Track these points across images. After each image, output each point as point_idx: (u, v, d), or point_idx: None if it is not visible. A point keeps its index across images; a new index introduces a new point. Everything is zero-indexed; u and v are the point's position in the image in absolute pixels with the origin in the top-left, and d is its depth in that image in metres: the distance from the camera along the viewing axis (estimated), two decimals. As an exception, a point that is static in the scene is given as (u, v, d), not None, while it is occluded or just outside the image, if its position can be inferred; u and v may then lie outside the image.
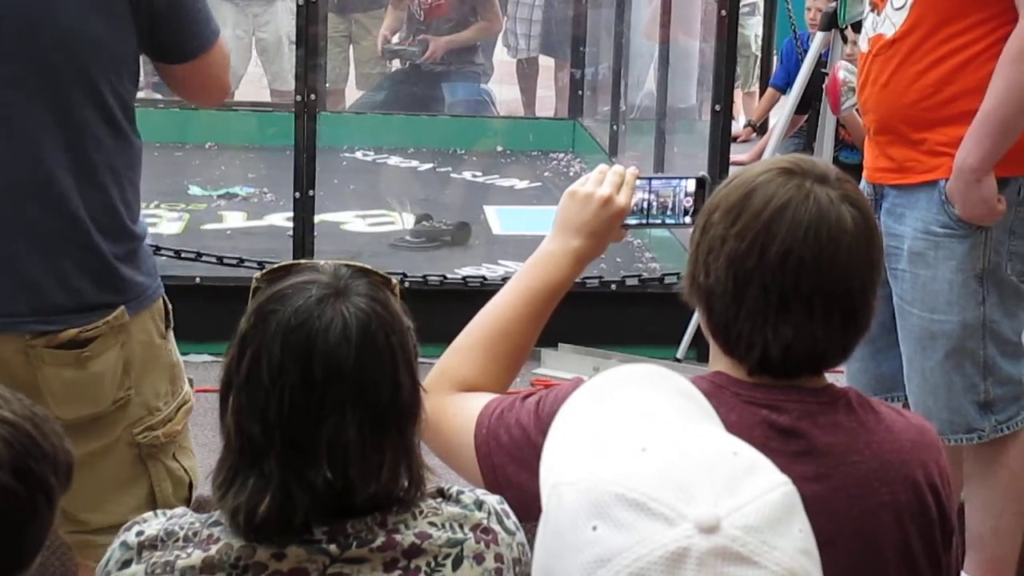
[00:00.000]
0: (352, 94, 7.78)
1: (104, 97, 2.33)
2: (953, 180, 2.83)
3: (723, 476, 1.06)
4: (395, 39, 7.44)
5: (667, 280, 4.60)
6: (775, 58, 7.17)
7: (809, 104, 5.10)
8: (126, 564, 1.57)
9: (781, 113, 5.17)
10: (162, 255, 4.30)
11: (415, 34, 7.35)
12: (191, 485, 2.52)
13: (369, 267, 1.64)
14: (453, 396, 1.80)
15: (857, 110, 3.98)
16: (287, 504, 1.53)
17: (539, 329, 1.89)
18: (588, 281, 4.42)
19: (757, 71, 8.14)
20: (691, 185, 1.97)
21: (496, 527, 1.62)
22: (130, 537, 1.59)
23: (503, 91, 8.10)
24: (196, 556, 1.54)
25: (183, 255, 4.50)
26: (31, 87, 2.29)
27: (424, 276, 4.51)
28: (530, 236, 4.30)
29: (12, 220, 2.31)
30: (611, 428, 1.15)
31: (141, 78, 2.49)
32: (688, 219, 1.96)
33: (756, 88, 8.14)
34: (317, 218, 4.63)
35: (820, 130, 4.55)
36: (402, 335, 1.59)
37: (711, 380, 1.63)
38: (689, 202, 1.97)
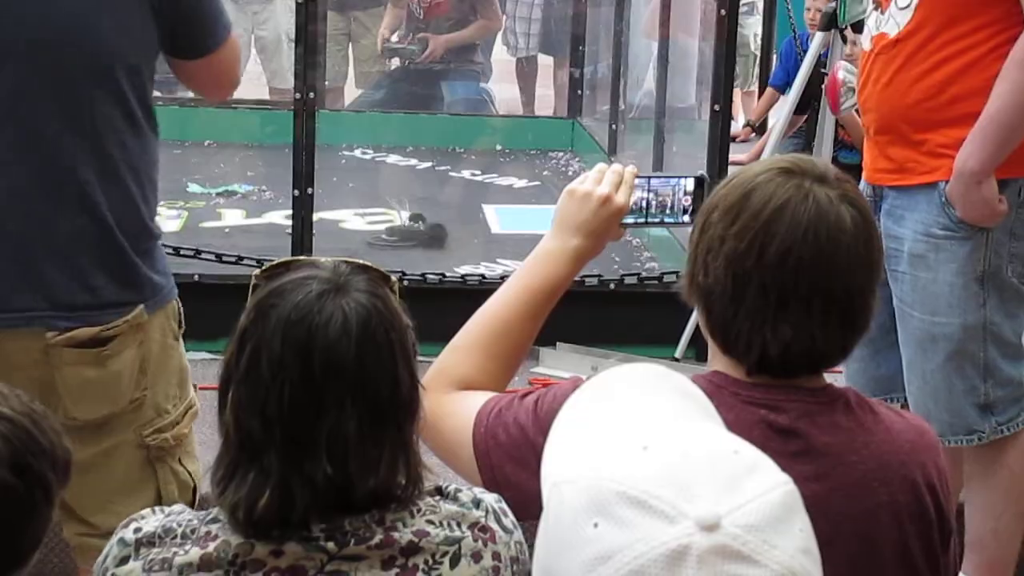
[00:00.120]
0: (351, 92, 7.78)
1: (126, 95, 2.34)
2: (954, 183, 2.82)
3: (724, 474, 1.06)
4: (394, 37, 7.44)
5: (666, 279, 4.60)
6: (774, 58, 7.17)
7: (808, 104, 5.10)
8: (124, 561, 1.57)
9: (780, 113, 5.17)
10: (161, 252, 4.29)
11: (414, 32, 7.35)
12: (195, 489, 2.52)
13: (369, 264, 1.64)
14: (452, 394, 1.80)
15: (857, 110, 3.99)
16: (286, 499, 1.53)
17: (538, 328, 1.89)
18: (587, 280, 4.42)
19: (756, 70, 8.14)
20: (690, 184, 1.97)
21: (494, 525, 1.62)
22: (128, 534, 1.59)
23: (502, 90, 8.10)
24: (194, 553, 1.54)
25: (182, 252, 4.50)
26: (54, 86, 2.30)
27: (423, 274, 4.51)
28: (529, 235, 4.30)
29: (34, 217, 2.32)
30: (612, 427, 1.15)
31: None
32: (687, 218, 1.96)
33: (755, 88, 8.14)
34: (316, 216, 4.63)
35: (819, 130, 4.55)
36: (401, 331, 1.59)
37: (710, 379, 1.63)
38: (688, 201, 1.97)
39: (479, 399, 1.77)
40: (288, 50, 6.86)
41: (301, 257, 1.67)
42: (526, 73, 8.45)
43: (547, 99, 8.34)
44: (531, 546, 1.68)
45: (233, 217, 5.55)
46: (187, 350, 2.58)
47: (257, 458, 1.55)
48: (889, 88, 2.90)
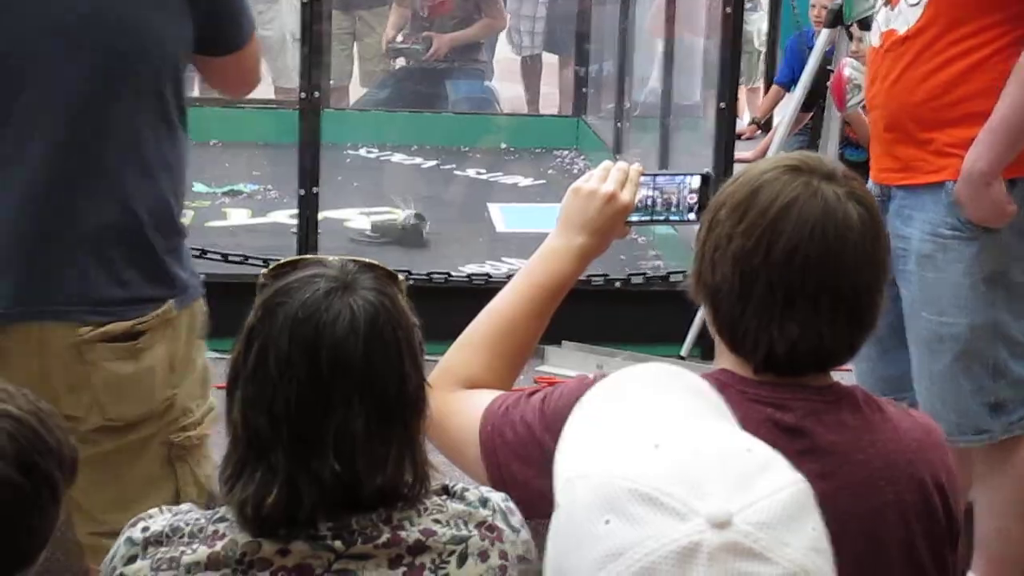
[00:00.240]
0: (356, 91, 7.78)
1: (162, 92, 2.35)
2: (962, 184, 2.81)
3: (736, 472, 1.06)
4: (399, 37, 7.44)
5: (672, 278, 4.60)
6: (779, 54, 7.16)
7: (814, 101, 5.10)
8: (131, 560, 1.57)
9: (785, 110, 5.17)
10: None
11: (419, 31, 7.35)
12: (211, 495, 2.53)
13: (376, 263, 1.64)
14: (458, 393, 1.80)
15: (863, 108, 3.98)
16: (294, 497, 1.53)
17: (543, 326, 1.89)
18: (593, 279, 4.42)
19: (761, 67, 8.13)
20: (695, 182, 1.97)
21: (501, 524, 1.62)
22: (135, 533, 1.59)
23: (507, 88, 8.10)
24: (201, 552, 1.54)
25: (187, 252, 4.49)
26: (95, 81, 2.30)
27: (428, 274, 4.51)
28: (534, 233, 4.30)
29: (71, 211, 2.32)
30: (624, 425, 1.15)
31: None
32: (692, 216, 1.96)
33: (760, 84, 8.14)
34: (321, 215, 4.64)
35: (825, 127, 4.55)
36: (408, 330, 1.59)
37: (716, 378, 1.63)
38: (693, 199, 1.96)
39: (485, 397, 1.77)
40: (293, 49, 6.86)
41: (308, 256, 1.67)
42: (531, 71, 8.45)
43: (552, 97, 8.34)
44: (538, 545, 1.68)
45: (238, 216, 5.56)
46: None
47: (264, 456, 1.55)
48: (897, 86, 2.89)
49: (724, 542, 1.02)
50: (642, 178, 1.93)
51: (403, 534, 1.56)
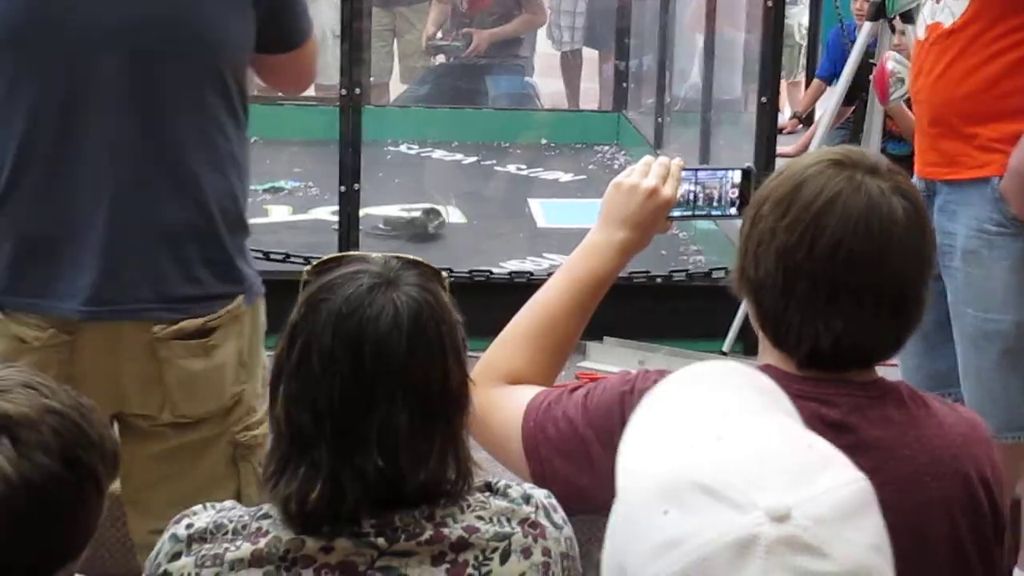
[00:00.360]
0: (396, 88, 7.79)
1: (230, 88, 2.37)
2: (1008, 179, 2.79)
3: (797, 467, 1.06)
4: (439, 33, 7.45)
5: (714, 274, 4.58)
6: (820, 48, 7.13)
7: (856, 95, 5.06)
8: (176, 556, 1.58)
9: (827, 104, 5.14)
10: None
11: (458, 28, 7.35)
12: None
13: (419, 259, 1.64)
14: (500, 388, 1.80)
15: (905, 101, 3.95)
16: (337, 492, 1.54)
17: (585, 321, 1.89)
18: (635, 277, 4.41)
19: (802, 61, 8.09)
20: (737, 176, 1.96)
21: (544, 521, 1.62)
22: (180, 530, 1.60)
23: (547, 84, 8.09)
24: (245, 549, 1.55)
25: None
26: (172, 76, 2.32)
27: (470, 271, 4.51)
28: (575, 229, 4.29)
29: (149, 207, 2.33)
30: (688, 419, 1.16)
31: None
32: (734, 210, 1.95)
33: (801, 78, 8.10)
34: (362, 212, 4.64)
35: (867, 121, 4.52)
36: (452, 326, 1.59)
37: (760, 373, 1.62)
38: (735, 193, 1.96)
39: (528, 393, 1.77)
40: (333, 46, 6.86)
41: (351, 253, 1.68)
42: (571, 67, 8.44)
43: (592, 93, 8.33)
44: (580, 541, 1.68)
45: (279, 213, 5.57)
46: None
47: (308, 452, 1.55)
48: (942, 79, 2.87)
49: (782, 535, 1.02)
50: (683, 173, 1.93)
51: (446, 531, 1.56)
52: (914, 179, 2.94)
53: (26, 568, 1.37)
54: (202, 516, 1.60)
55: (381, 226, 5.29)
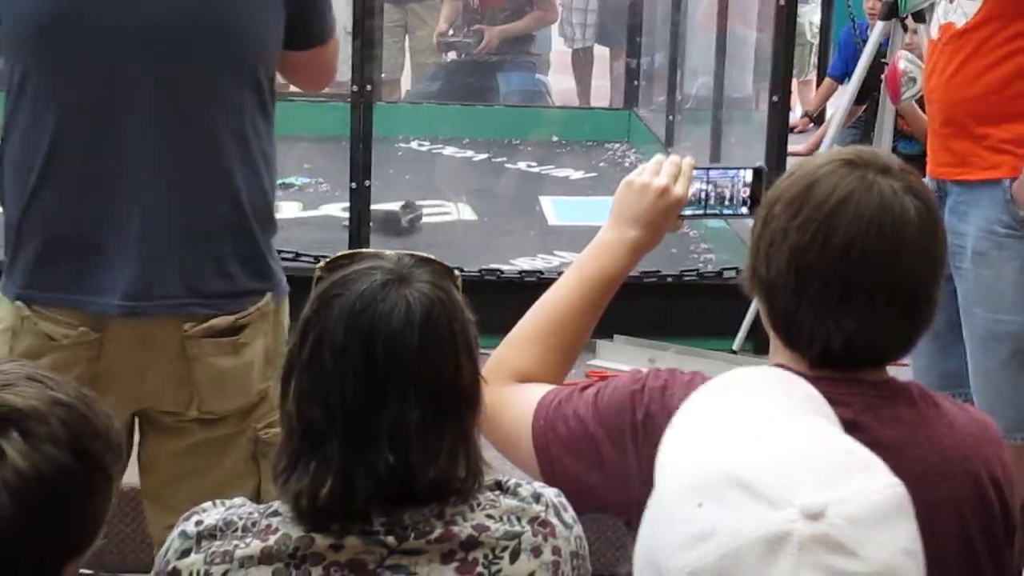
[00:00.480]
0: (407, 84, 7.79)
1: (261, 84, 2.39)
2: (1020, 182, 2.79)
3: (834, 469, 1.07)
4: (450, 30, 7.45)
5: (724, 273, 4.58)
6: (831, 47, 7.11)
7: (867, 94, 5.06)
8: (185, 553, 1.58)
9: (839, 103, 5.13)
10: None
11: (470, 24, 7.35)
12: None
13: (432, 257, 1.64)
14: (511, 387, 1.80)
15: (917, 101, 3.95)
16: (348, 488, 1.54)
17: (596, 319, 1.88)
18: (646, 277, 4.41)
19: (813, 59, 8.08)
20: (748, 175, 1.96)
21: (554, 520, 1.62)
22: (189, 527, 1.60)
23: (558, 81, 8.09)
24: (255, 546, 1.55)
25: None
26: (205, 72, 2.33)
27: (480, 270, 4.51)
28: (585, 227, 4.29)
29: (184, 202, 2.34)
30: (727, 419, 1.16)
31: None
32: (745, 209, 1.95)
33: (812, 77, 8.09)
34: (373, 208, 4.64)
35: (879, 121, 4.52)
36: (464, 323, 1.59)
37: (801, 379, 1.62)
38: (746, 192, 1.96)
39: (538, 391, 1.77)
40: (344, 43, 6.86)
41: (364, 250, 1.68)
42: (582, 64, 8.43)
43: (603, 90, 8.33)
44: (589, 540, 1.68)
45: (290, 210, 5.57)
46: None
47: (319, 447, 1.55)
48: (954, 80, 2.87)
49: (815, 533, 1.03)
50: (695, 172, 1.92)
51: (456, 529, 1.56)
52: (925, 179, 2.94)
53: (37, 561, 1.38)
54: (212, 513, 1.61)
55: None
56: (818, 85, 7.41)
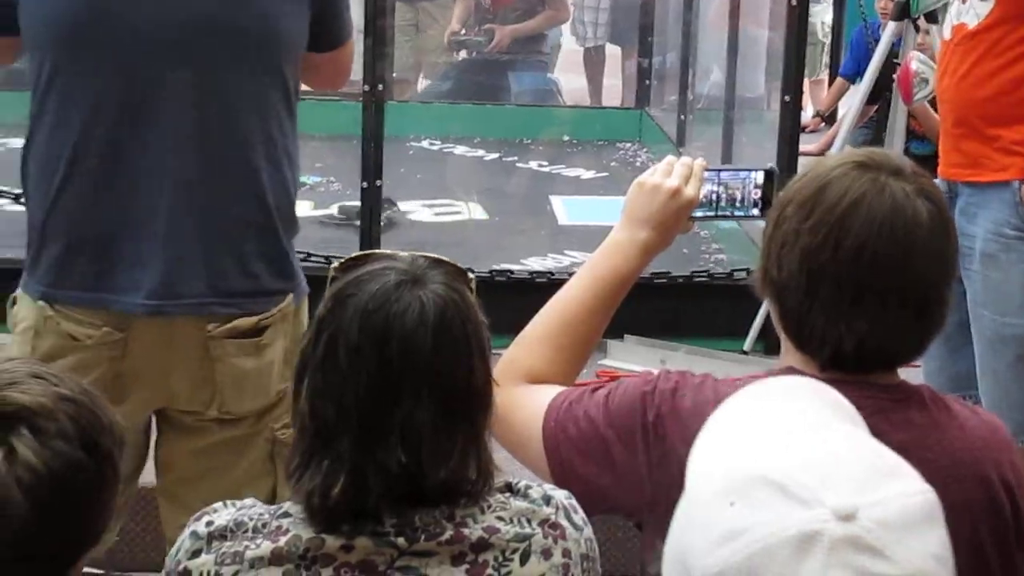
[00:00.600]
0: (418, 83, 7.79)
1: (287, 84, 2.40)
2: None
3: (865, 472, 1.08)
4: (462, 29, 7.45)
5: (735, 275, 4.58)
6: (843, 46, 7.11)
7: (879, 94, 5.05)
8: (196, 554, 1.58)
9: (851, 103, 5.13)
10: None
11: (481, 23, 7.35)
12: None
13: (445, 259, 1.64)
14: (521, 387, 1.80)
15: (929, 102, 3.94)
16: (360, 487, 1.54)
17: (607, 320, 1.88)
18: (656, 279, 4.41)
19: (824, 59, 8.07)
20: (760, 177, 1.96)
21: (564, 522, 1.62)
22: (200, 527, 1.60)
23: (570, 80, 8.08)
24: (265, 547, 1.55)
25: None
26: (236, 71, 2.34)
27: (491, 271, 4.51)
28: (596, 226, 4.29)
29: (212, 201, 2.34)
30: (759, 424, 1.17)
31: None
32: (756, 211, 1.95)
33: (824, 77, 8.08)
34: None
35: (891, 121, 4.51)
36: (477, 325, 1.60)
37: (782, 375, 1.62)
38: (758, 194, 1.95)
39: (549, 392, 1.76)
40: (356, 42, 6.87)
41: (378, 251, 1.68)
42: (594, 63, 8.43)
43: (615, 89, 8.32)
44: (600, 542, 1.68)
45: (301, 209, 5.56)
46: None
47: (332, 446, 1.55)
48: (965, 80, 2.86)
49: (846, 534, 1.03)
50: (706, 173, 1.92)
51: (466, 531, 1.56)
52: (936, 180, 2.93)
53: (51, 556, 1.38)
54: (222, 513, 1.61)
55: (336, 214, 5.28)
56: (829, 84, 7.40)
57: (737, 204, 1.96)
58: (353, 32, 2.57)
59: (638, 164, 6.41)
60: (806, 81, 7.67)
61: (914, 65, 3.86)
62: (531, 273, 4.61)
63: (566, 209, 5.69)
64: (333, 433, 1.55)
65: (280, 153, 2.39)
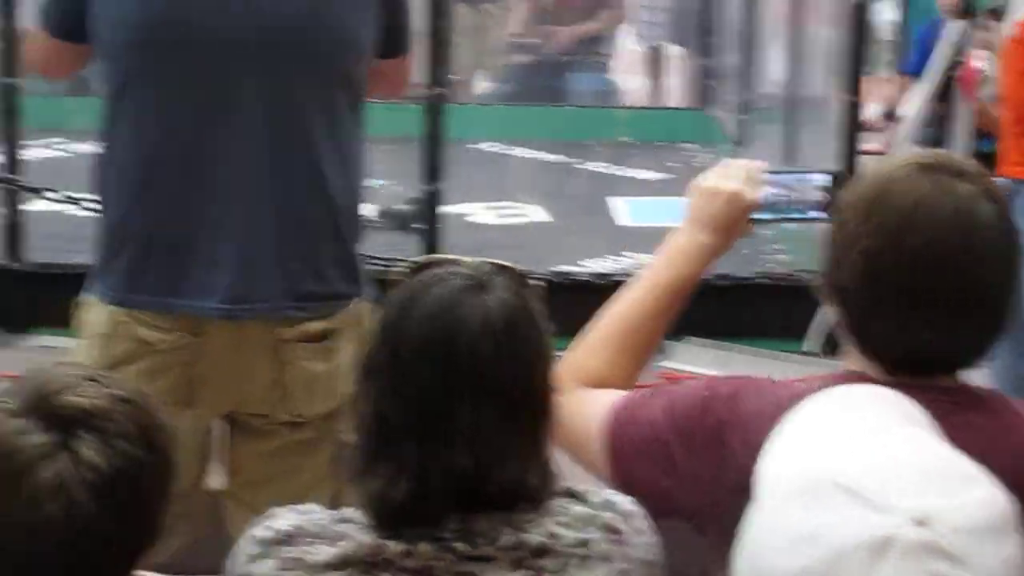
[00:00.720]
0: (479, 85, 7.80)
1: (356, 89, 2.42)
2: None
3: (941, 478, 1.08)
4: (521, 31, 7.45)
5: (796, 275, 4.55)
6: (907, 44, 7.04)
7: (944, 92, 5.00)
8: (257, 559, 1.59)
9: (914, 101, 5.08)
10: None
11: (541, 24, 7.35)
12: None
13: (510, 265, 1.64)
14: (582, 392, 1.79)
15: (992, 99, 3.90)
16: (422, 490, 1.54)
17: (667, 323, 1.88)
18: (717, 279, 4.38)
19: (887, 57, 8.01)
20: (821, 179, 1.94)
21: (624, 527, 1.61)
22: (260, 532, 1.60)
23: (629, 81, 8.06)
24: (326, 553, 1.55)
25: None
26: (308, 74, 2.36)
27: (551, 272, 4.50)
28: (656, 228, 4.27)
29: (286, 204, 2.36)
30: (831, 431, 1.17)
31: None
32: (818, 214, 1.93)
33: (886, 74, 8.01)
34: (444, 210, 4.65)
35: (954, 119, 4.47)
36: (541, 332, 1.60)
37: (845, 378, 1.61)
38: (819, 196, 1.94)
39: (609, 396, 1.76)
40: (417, 44, 6.89)
41: (443, 256, 1.69)
42: (654, 63, 8.41)
43: (675, 90, 8.29)
44: (663, 547, 1.67)
45: (364, 210, 5.59)
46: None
47: (395, 449, 1.56)
48: (1026, 77, 2.83)
49: (921, 540, 1.03)
50: (767, 175, 1.91)
51: (526, 537, 1.56)
52: (997, 178, 2.90)
53: (120, 555, 1.40)
54: (283, 518, 1.61)
55: (376, 217, 5.30)
56: (893, 83, 7.34)
57: (798, 206, 1.94)
58: (413, 44, 2.60)
59: (698, 165, 6.37)
60: (868, 79, 7.61)
61: (977, 63, 3.82)
62: (592, 275, 4.60)
63: (627, 210, 5.67)
64: (395, 436, 1.56)
65: (348, 157, 2.41)
